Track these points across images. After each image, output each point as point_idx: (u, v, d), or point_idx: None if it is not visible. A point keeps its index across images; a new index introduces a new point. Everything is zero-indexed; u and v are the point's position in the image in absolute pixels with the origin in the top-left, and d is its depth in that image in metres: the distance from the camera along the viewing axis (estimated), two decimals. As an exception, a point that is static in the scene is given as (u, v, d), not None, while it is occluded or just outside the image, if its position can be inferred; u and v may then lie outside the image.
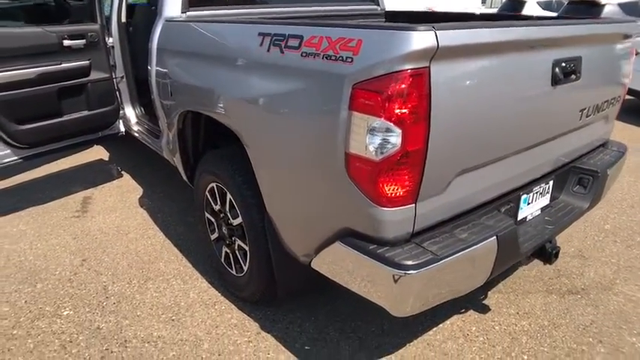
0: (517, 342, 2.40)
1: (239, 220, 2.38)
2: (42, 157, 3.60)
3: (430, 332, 2.47)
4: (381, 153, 1.55)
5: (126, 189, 4.03)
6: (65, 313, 2.59)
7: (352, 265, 1.77)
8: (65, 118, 3.47)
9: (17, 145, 3.35)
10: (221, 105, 2.21)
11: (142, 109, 3.89)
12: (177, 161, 2.95)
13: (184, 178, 2.97)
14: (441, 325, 2.51)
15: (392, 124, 1.52)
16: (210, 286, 2.76)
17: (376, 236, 1.70)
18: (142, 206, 3.73)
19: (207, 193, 2.63)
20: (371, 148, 1.56)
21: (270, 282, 2.35)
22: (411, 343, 2.39)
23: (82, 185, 4.09)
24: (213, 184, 2.54)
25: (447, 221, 1.87)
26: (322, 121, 1.69)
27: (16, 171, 4.30)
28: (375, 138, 1.55)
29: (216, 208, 2.59)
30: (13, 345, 2.37)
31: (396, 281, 1.64)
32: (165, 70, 2.74)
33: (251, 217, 2.27)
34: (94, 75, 3.52)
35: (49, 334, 2.43)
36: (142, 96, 3.90)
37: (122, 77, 3.77)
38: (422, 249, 1.71)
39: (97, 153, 4.81)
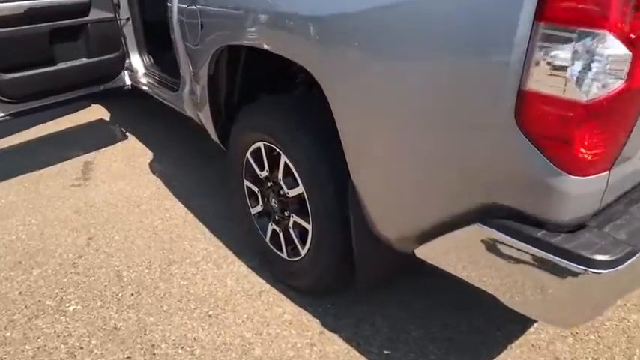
0: (635, 342, 1.87)
1: (298, 190, 1.77)
2: (32, 114, 2.92)
3: (531, 330, 1.92)
4: (592, 90, 0.94)
5: (132, 152, 3.36)
6: (71, 308, 1.98)
7: (501, 258, 1.19)
8: (60, 66, 2.78)
9: (2, 98, 2.67)
10: (283, 31, 1.57)
11: (152, 58, 3.19)
12: (204, 117, 2.31)
13: (214, 138, 2.33)
14: (541, 322, 1.96)
15: (618, 40, 0.91)
16: (250, 270, 2.17)
17: (545, 217, 1.11)
18: (154, 173, 3.08)
19: (248, 155, 2.01)
20: (575, 81, 0.95)
21: (341, 269, 1.77)
22: (513, 345, 1.84)
23: (81, 149, 3.40)
24: (260, 144, 1.91)
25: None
26: (477, 42, 1.07)
27: (2, 131, 3.59)
28: (583, 64, 0.93)
29: (262, 174, 1.97)
30: (7, 353, 1.76)
31: (581, 282, 1.07)
32: (192, 2, 2.07)
33: (319, 188, 1.66)
34: (95, 14, 2.81)
35: (52, 338, 1.83)
36: (150, 43, 3.21)
37: (127, 19, 3.06)
38: (611, 238, 1.13)
39: (97, 112, 4.08)
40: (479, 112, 1.10)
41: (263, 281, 2.10)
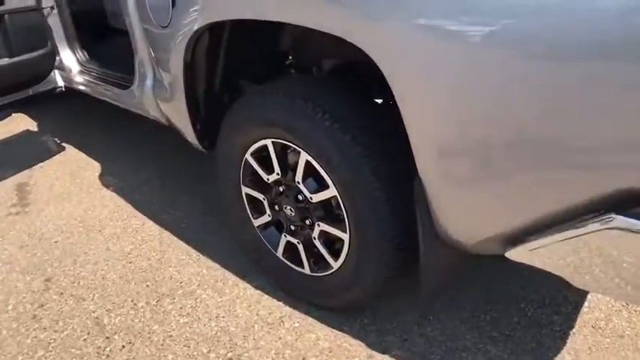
0: (686, 305, 1.74)
1: (327, 194, 1.42)
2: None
3: (585, 310, 1.73)
4: None
5: (76, 166, 2.80)
6: (47, 378, 1.52)
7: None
8: (-28, 70, 2.20)
9: None
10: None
11: (86, 53, 2.64)
12: (177, 115, 1.87)
13: (191, 139, 1.90)
14: (590, 298, 1.78)
15: None
16: (260, 293, 1.79)
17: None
18: (107, 187, 2.57)
19: (248, 156, 1.62)
20: None
21: (390, 281, 1.46)
22: (573, 330, 1.64)
23: (11, 168, 2.78)
24: (266, 142, 1.53)
25: None
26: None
27: None
28: None
29: (271, 178, 1.59)
30: None
31: None
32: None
33: (363, 189, 1.32)
34: (11, 3, 2.24)
35: None
36: (83, 35, 2.65)
37: (52, 8, 2.48)
38: None
39: (21, 122, 3.39)
40: (626, 71, 0.82)
41: (280, 304, 1.74)
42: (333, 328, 1.63)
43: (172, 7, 1.56)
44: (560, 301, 1.73)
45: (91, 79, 2.49)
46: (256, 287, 1.82)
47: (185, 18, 1.54)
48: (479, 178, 1.09)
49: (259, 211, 1.73)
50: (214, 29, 1.56)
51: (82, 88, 2.56)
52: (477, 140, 1.04)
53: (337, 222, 1.47)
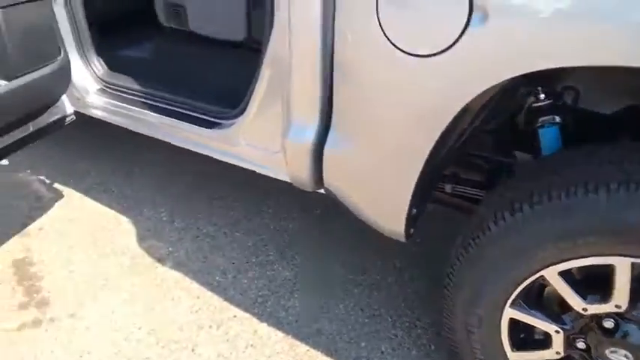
0: None
1: None
2: None
3: None
4: None
5: (92, 224, 1.84)
6: None
7: None
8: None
9: None
10: None
11: (103, 62, 1.68)
12: (365, 189, 1.10)
13: (387, 225, 1.11)
14: None
15: None
16: None
17: None
18: (159, 260, 1.69)
19: (550, 273, 0.91)
20: None
21: None
22: None
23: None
24: (616, 261, 0.84)
25: None
26: None
27: None
28: None
29: (590, 309, 0.91)
30: None
31: None
32: None
33: None
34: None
35: None
36: (101, 35, 1.68)
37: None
38: None
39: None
40: None
41: None
42: None
43: None
44: None
45: (130, 105, 1.56)
46: None
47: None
48: None
49: (524, 342, 1.07)
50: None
51: (105, 116, 1.62)
52: None
53: None
